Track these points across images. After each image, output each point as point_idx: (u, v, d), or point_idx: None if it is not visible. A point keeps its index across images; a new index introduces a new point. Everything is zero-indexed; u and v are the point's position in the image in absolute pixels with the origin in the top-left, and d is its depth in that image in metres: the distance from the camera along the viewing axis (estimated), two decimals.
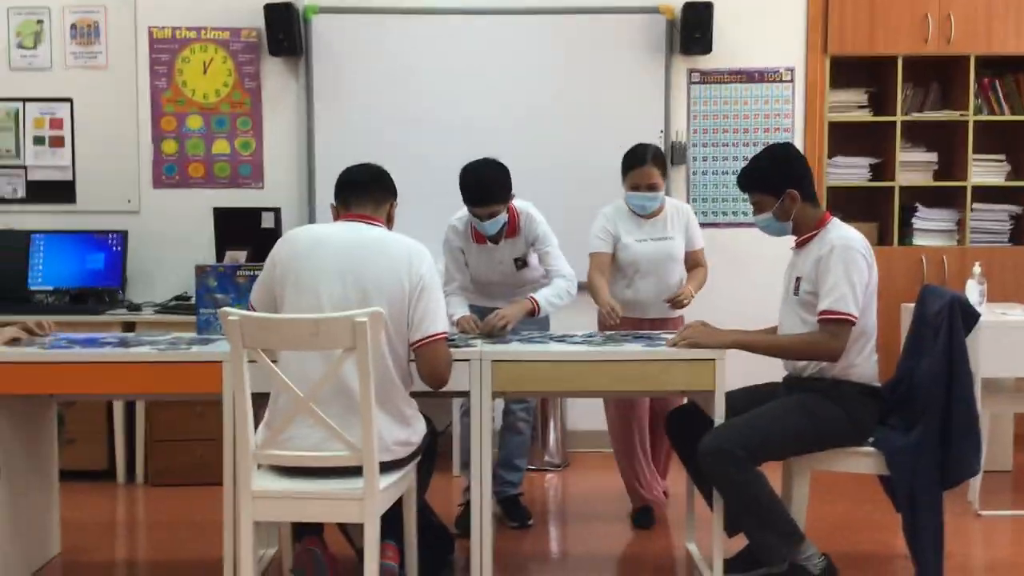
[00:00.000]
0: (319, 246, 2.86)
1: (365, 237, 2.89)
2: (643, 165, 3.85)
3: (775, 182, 3.27)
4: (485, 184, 3.66)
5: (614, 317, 3.68)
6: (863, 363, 3.23)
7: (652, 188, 3.87)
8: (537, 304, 3.68)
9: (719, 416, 3.18)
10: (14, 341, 3.31)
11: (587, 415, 5.00)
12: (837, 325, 3.12)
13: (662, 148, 4.91)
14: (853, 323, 3.12)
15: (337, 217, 3.04)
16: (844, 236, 3.22)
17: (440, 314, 2.90)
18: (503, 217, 3.72)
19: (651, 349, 3.28)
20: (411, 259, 2.85)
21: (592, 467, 4.91)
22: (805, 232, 3.30)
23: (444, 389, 3.02)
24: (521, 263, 3.93)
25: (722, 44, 5.08)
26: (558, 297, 3.76)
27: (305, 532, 3.03)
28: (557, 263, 3.86)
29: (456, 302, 3.78)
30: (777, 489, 3.23)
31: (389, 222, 3.06)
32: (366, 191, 3.00)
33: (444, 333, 2.92)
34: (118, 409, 4.68)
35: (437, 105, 5.06)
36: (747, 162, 3.41)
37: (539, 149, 5.00)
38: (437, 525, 3.45)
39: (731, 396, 3.23)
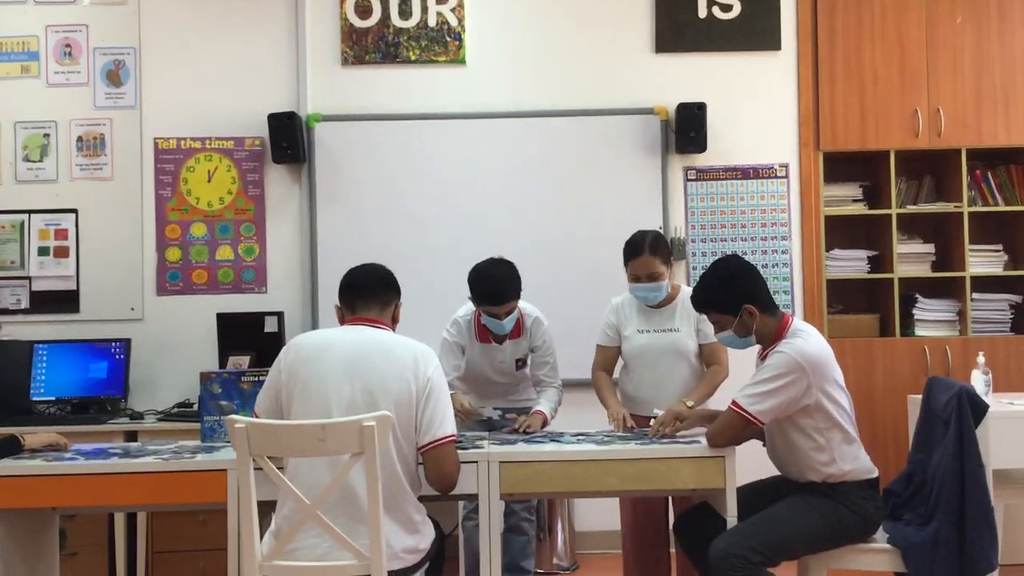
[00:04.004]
0: (325, 351, 2.86)
1: (371, 341, 2.89)
2: (640, 255, 3.72)
3: (729, 301, 3.23)
4: (502, 282, 3.70)
5: (624, 428, 3.61)
6: (849, 461, 3.18)
7: (652, 278, 3.72)
8: (547, 418, 3.78)
9: (730, 515, 3.13)
10: (51, 447, 3.33)
11: (596, 515, 4.93)
12: (732, 416, 3.13)
13: None
14: (748, 422, 3.10)
15: (342, 320, 3.05)
16: (796, 347, 3.14)
17: (449, 416, 2.88)
18: (516, 313, 3.75)
19: (658, 447, 3.25)
20: (418, 362, 2.85)
21: (602, 569, 4.81)
22: (767, 342, 3.26)
23: (456, 492, 2.98)
24: (522, 364, 3.94)
25: (716, 142, 5.19)
26: (555, 409, 3.87)
27: None
28: (554, 374, 3.94)
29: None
30: None
31: (394, 322, 3.07)
32: (371, 294, 3.01)
33: (453, 436, 2.90)
34: (119, 520, 4.61)
35: (438, 207, 5.14)
36: (698, 282, 3.37)
37: (541, 248, 5.05)
38: None
39: (739, 492, 3.19)
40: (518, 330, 3.86)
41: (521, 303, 3.84)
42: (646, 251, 3.72)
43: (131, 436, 4.57)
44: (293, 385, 2.83)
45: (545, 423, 3.77)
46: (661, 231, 4.02)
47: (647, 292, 3.77)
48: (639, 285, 3.76)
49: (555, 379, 3.93)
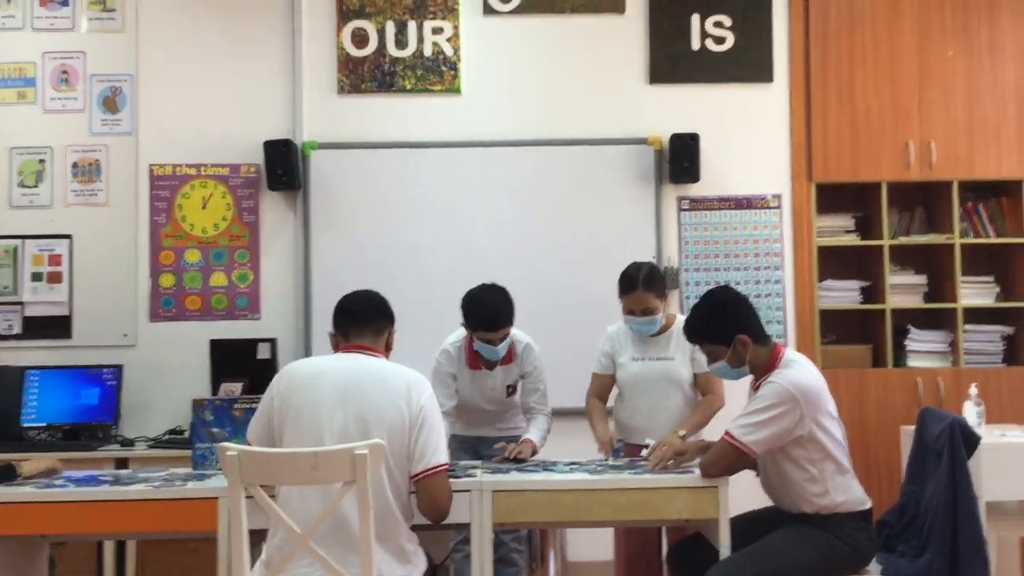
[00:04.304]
0: (318, 379, 2.85)
1: (365, 369, 2.89)
2: (634, 290, 3.73)
3: (722, 331, 3.24)
4: (496, 308, 3.71)
5: (609, 451, 3.63)
6: (842, 492, 3.18)
7: (646, 312, 3.73)
8: (536, 446, 3.77)
9: (724, 546, 3.13)
10: (48, 472, 3.33)
11: (589, 545, 4.90)
12: (725, 447, 3.13)
13: None
14: (741, 452, 3.10)
15: (336, 346, 3.04)
16: (788, 377, 3.15)
17: (442, 445, 2.88)
18: (510, 339, 3.75)
19: (651, 477, 3.25)
20: (411, 390, 2.85)
21: None
22: (760, 372, 3.27)
23: (446, 521, 2.97)
24: (512, 390, 3.94)
25: (710, 172, 5.21)
26: (544, 437, 3.87)
27: None
28: (544, 401, 3.95)
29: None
30: None
31: (388, 349, 3.07)
32: (365, 321, 3.01)
33: (446, 464, 2.89)
34: (108, 548, 4.57)
35: (432, 234, 5.15)
36: (690, 313, 3.38)
37: (534, 276, 5.06)
38: None
39: (733, 523, 3.18)
40: (509, 356, 3.87)
41: (512, 329, 3.85)
42: (640, 286, 3.73)
43: (122, 463, 4.55)
44: (286, 412, 2.83)
45: (534, 451, 3.76)
46: (655, 262, 4.04)
47: (641, 326, 3.78)
48: (633, 318, 3.77)
49: (544, 406, 3.94)
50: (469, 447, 3.95)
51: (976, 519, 3.20)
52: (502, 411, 3.97)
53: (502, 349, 3.76)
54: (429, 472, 2.83)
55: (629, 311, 3.77)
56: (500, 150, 5.23)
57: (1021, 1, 5.29)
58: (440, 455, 2.86)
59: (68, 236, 5.21)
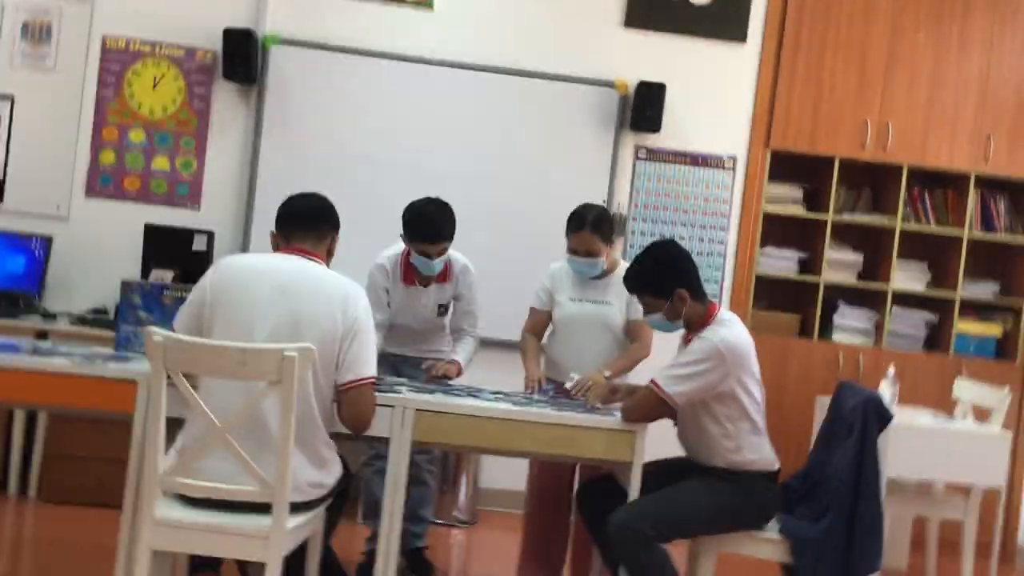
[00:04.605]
0: (256, 276, 2.81)
1: (304, 272, 2.85)
2: (581, 230, 3.74)
3: (663, 284, 3.27)
4: (438, 221, 3.68)
5: (533, 388, 3.68)
6: (754, 451, 3.27)
7: (590, 254, 3.75)
8: (460, 365, 3.81)
9: (634, 490, 3.20)
10: None
11: (501, 473, 4.98)
12: (649, 394, 3.20)
13: None
14: (663, 401, 3.17)
15: (276, 247, 3.00)
16: (720, 335, 3.21)
17: (372, 358, 2.87)
18: (447, 256, 3.73)
19: (573, 414, 3.29)
20: (347, 300, 2.83)
21: (500, 527, 4.87)
22: (693, 328, 3.32)
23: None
24: (443, 310, 3.94)
25: (671, 125, 5.22)
26: (470, 359, 3.91)
27: (202, 566, 2.93)
28: (474, 323, 3.97)
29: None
30: (681, 567, 3.25)
31: (329, 255, 3.04)
32: (309, 225, 2.97)
33: (374, 377, 2.89)
34: (19, 419, 4.51)
35: (386, 147, 5.09)
36: (632, 263, 3.40)
37: (482, 201, 5.04)
38: (339, 571, 3.37)
39: (644, 468, 3.25)
40: (445, 275, 3.85)
41: (451, 250, 3.84)
42: (587, 227, 3.73)
43: (42, 335, 4.46)
44: (217, 306, 2.79)
45: (459, 372, 3.79)
46: (606, 208, 4.03)
47: (582, 266, 3.80)
48: (576, 258, 3.79)
49: (474, 329, 3.97)
50: (389, 365, 3.95)
51: (877, 493, 3.31)
52: (429, 331, 3.96)
53: (438, 264, 3.74)
54: (356, 383, 2.83)
55: (573, 250, 3.78)
56: (465, 73, 5.15)
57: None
58: (370, 367, 2.86)
59: (10, 97, 5.03)
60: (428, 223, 3.68)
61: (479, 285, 3.95)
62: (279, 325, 2.75)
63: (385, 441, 3.17)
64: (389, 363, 3.92)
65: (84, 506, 4.30)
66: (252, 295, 2.78)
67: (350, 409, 2.87)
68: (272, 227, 3.03)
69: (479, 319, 3.97)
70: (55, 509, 4.38)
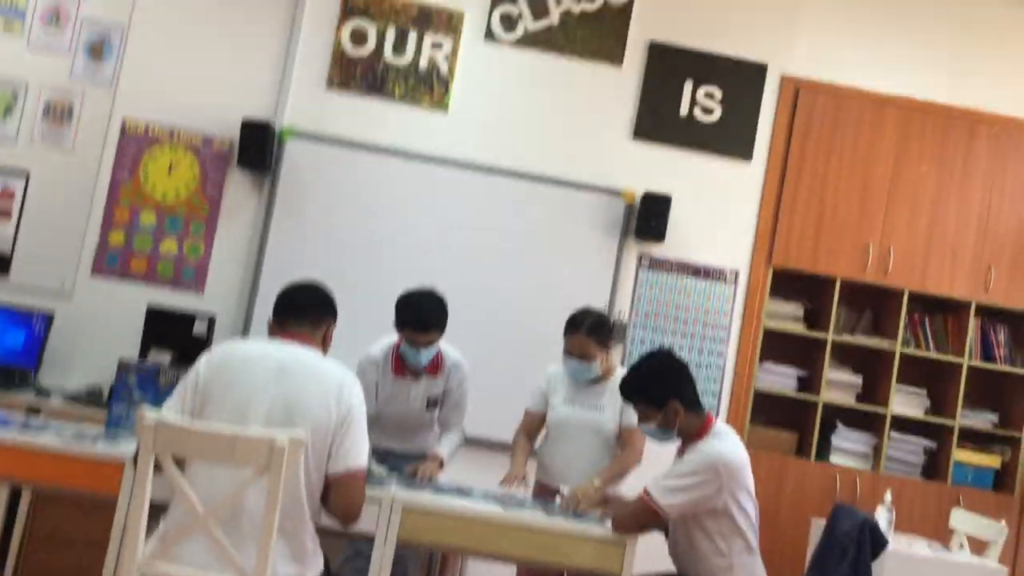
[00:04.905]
0: (250, 364, 2.80)
1: (300, 360, 2.84)
2: (576, 333, 3.77)
3: (658, 394, 3.27)
4: (427, 311, 3.69)
5: (513, 485, 3.65)
6: (746, 571, 3.21)
7: (584, 358, 3.77)
8: (444, 460, 3.80)
9: None
10: None
11: None
12: (641, 504, 3.17)
13: None
14: (656, 512, 3.13)
15: (272, 333, 3.00)
16: (715, 449, 3.19)
17: (364, 448, 2.84)
18: (436, 348, 3.73)
19: (564, 522, 3.24)
20: (342, 388, 2.81)
21: None
22: (688, 439, 3.30)
23: (342, 530, 2.93)
24: (432, 403, 3.91)
25: (675, 235, 5.28)
26: (454, 452, 3.90)
27: None
28: (460, 418, 3.96)
29: None
30: None
31: (325, 343, 3.03)
32: (305, 313, 2.97)
33: (365, 468, 2.86)
34: (0, 497, 4.43)
35: (392, 242, 5.14)
36: (628, 371, 3.42)
37: (485, 301, 5.08)
38: None
39: None
40: (436, 368, 3.85)
41: (445, 345, 3.84)
42: (583, 330, 3.77)
43: (34, 411, 4.43)
44: (210, 391, 2.76)
45: (442, 465, 3.76)
46: (605, 312, 4.06)
47: (576, 370, 3.82)
48: (570, 360, 3.80)
49: (460, 423, 3.95)
50: (375, 458, 3.91)
51: None
52: (417, 426, 3.93)
53: (425, 356, 3.73)
54: (350, 473, 2.80)
55: (568, 352, 3.81)
56: (474, 174, 5.24)
57: (999, 135, 5.46)
58: (362, 458, 2.83)
59: (26, 173, 5.11)
60: (417, 311, 3.69)
61: (471, 381, 3.93)
62: (273, 410, 2.73)
63: (368, 538, 3.11)
64: (376, 456, 3.89)
65: None
66: (247, 380, 2.76)
67: (341, 500, 2.82)
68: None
69: (465, 415, 3.95)
70: None
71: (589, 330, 3.75)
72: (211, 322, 4.93)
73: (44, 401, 4.55)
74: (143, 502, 2.59)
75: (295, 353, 2.86)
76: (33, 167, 5.12)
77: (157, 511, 2.73)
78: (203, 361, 2.83)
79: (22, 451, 3.06)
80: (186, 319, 4.92)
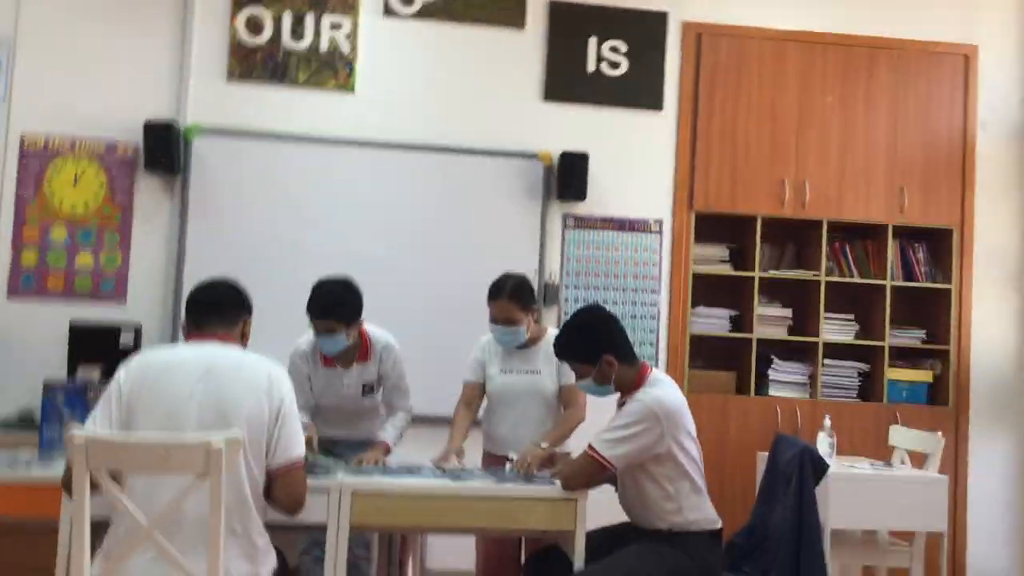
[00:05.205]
0: (171, 370, 2.74)
1: (222, 358, 2.80)
2: (499, 298, 3.78)
3: (589, 351, 3.31)
4: (330, 299, 3.66)
5: (449, 461, 3.63)
6: (696, 511, 3.27)
7: (509, 322, 3.77)
8: (389, 446, 3.77)
9: (579, 558, 3.17)
10: None
11: (449, 553, 4.88)
12: (587, 460, 3.21)
13: (535, 287, 5.03)
14: (602, 466, 3.18)
15: (189, 336, 2.94)
16: (653, 396, 3.24)
17: (300, 438, 2.83)
18: (342, 340, 3.69)
19: (513, 487, 3.27)
20: (271, 381, 2.78)
21: None
22: (626, 390, 3.34)
23: (296, 523, 2.91)
24: (368, 389, 3.89)
25: (596, 193, 5.31)
26: (401, 435, 3.87)
27: None
28: (404, 398, 3.93)
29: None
30: None
31: (244, 339, 2.99)
32: (216, 311, 2.92)
33: (303, 458, 2.84)
34: None
35: (313, 230, 5.08)
36: (560, 331, 3.46)
37: (414, 280, 5.07)
38: None
39: (589, 536, 3.23)
40: (365, 354, 3.83)
41: (372, 328, 3.84)
42: (504, 296, 3.78)
43: None
44: (135, 403, 2.70)
45: (387, 451, 3.74)
46: (527, 276, 4.07)
47: (502, 335, 3.82)
48: (496, 327, 3.81)
49: (405, 404, 3.93)
50: (323, 449, 3.90)
51: (818, 542, 3.33)
52: (359, 413, 3.91)
53: (331, 345, 3.70)
54: (290, 466, 2.78)
55: (493, 319, 3.81)
56: (389, 152, 5.20)
57: (899, 60, 5.57)
58: (300, 448, 2.81)
59: None
60: (316, 301, 3.67)
61: (405, 361, 3.91)
62: (204, 413, 2.69)
63: (323, 527, 3.10)
64: (323, 448, 3.87)
65: None
66: (172, 387, 2.71)
67: (284, 492, 2.80)
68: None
69: (408, 394, 3.93)
70: None
71: (511, 294, 3.76)
72: (137, 332, 4.82)
73: None
74: (84, 523, 2.54)
75: (216, 353, 2.81)
76: None
77: (100, 529, 2.68)
78: (121, 373, 2.77)
79: None
80: (111, 332, 4.80)
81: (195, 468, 2.53)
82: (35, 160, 5.02)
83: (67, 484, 2.68)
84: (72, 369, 4.72)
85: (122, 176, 5.06)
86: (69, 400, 3.36)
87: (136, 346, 4.77)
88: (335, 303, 3.66)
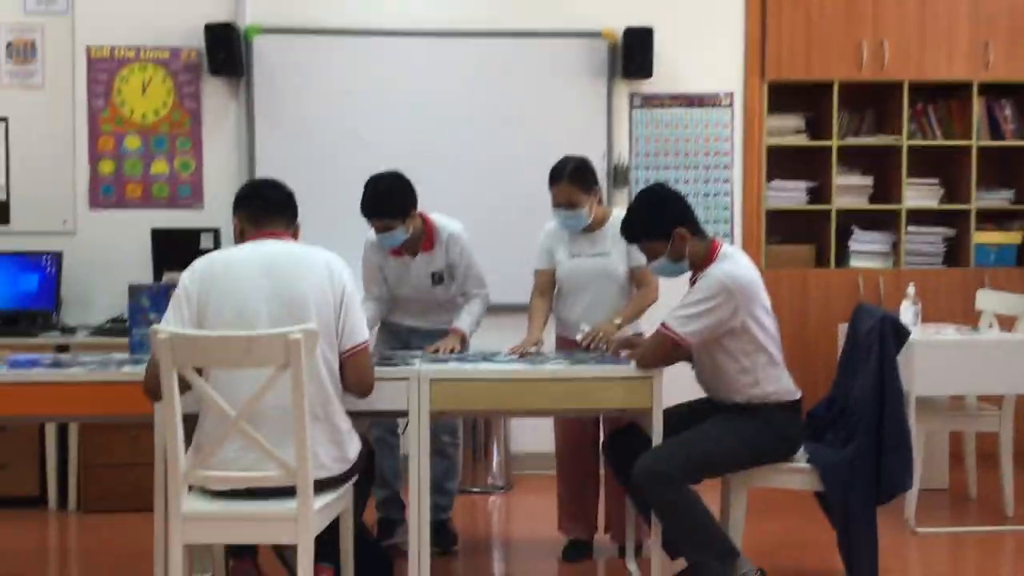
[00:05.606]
0: (234, 270, 2.81)
1: (285, 254, 2.86)
2: (559, 182, 3.73)
3: (660, 226, 3.25)
4: (379, 197, 3.65)
5: (519, 351, 3.61)
6: (773, 383, 3.25)
7: (571, 205, 3.72)
8: (465, 334, 3.77)
9: (657, 435, 3.19)
10: None
11: (531, 437, 4.99)
12: (661, 338, 3.18)
13: (604, 170, 4.96)
14: (676, 343, 3.16)
15: (242, 232, 2.98)
16: (724, 270, 3.19)
17: (363, 322, 2.92)
18: (399, 234, 3.69)
19: (588, 368, 3.29)
20: (332, 271, 2.85)
21: (536, 490, 4.88)
22: (697, 267, 3.29)
23: (379, 409, 2.99)
24: (438, 278, 3.89)
25: (663, 69, 5.15)
26: (477, 321, 3.87)
27: (238, 554, 2.96)
28: (479, 283, 3.91)
29: (369, 307, 3.78)
30: (715, 506, 3.25)
31: (294, 238, 3.04)
32: (280, 209, 2.98)
33: (367, 341, 2.92)
34: (50, 433, 4.57)
35: (378, 124, 5.05)
36: (627, 211, 3.41)
37: (482, 170, 5.04)
38: (375, 547, 3.40)
39: (667, 413, 3.24)
40: (430, 243, 3.83)
41: (439, 217, 3.84)
42: (565, 179, 3.72)
43: (62, 349, 4.49)
44: (205, 304, 2.77)
45: (463, 339, 3.76)
46: (587, 158, 3.99)
47: (565, 219, 3.78)
48: (558, 211, 3.77)
49: (481, 289, 3.91)
50: (399, 336, 3.96)
51: (901, 412, 3.29)
52: (434, 302, 3.93)
53: (391, 239, 3.71)
54: (356, 349, 2.86)
55: (555, 204, 3.77)
56: (451, 40, 5.11)
57: None
58: (364, 332, 2.91)
59: (4, 119, 5.05)
60: (368, 200, 3.67)
61: (474, 249, 3.89)
62: (273, 307, 2.75)
63: (392, 416, 3.17)
64: (400, 335, 3.93)
65: (124, 512, 4.34)
66: (238, 285, 2.78)
67: (354, 375, 2.89)
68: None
69: (483, 280, 3.92)
70: (96, 518, 4.44)
71: (571, 177, 3.71)
72: (216, 234, 4.93)
73: (70, 338, 4.62)
74: (175, 416, 2.65)
75: (275, 249, 2.88)
76: (8, 112, 5.05)
77: (189, 423, 2.79)
78: (186, 276, 2.85)
79: (51, 387, 3.12)
80: (191, 235, 4.91)
81: (276, 360, 2.60)
82: (103, 71, 5.07)
83: (148, 387, 2.79)
84: (158, 274, 4.87)
85: (188, 82, 5.09)
86: (155, 302, 3.46)
87: (217, 248, 4.86)
88: (385, 200, 3.66)
